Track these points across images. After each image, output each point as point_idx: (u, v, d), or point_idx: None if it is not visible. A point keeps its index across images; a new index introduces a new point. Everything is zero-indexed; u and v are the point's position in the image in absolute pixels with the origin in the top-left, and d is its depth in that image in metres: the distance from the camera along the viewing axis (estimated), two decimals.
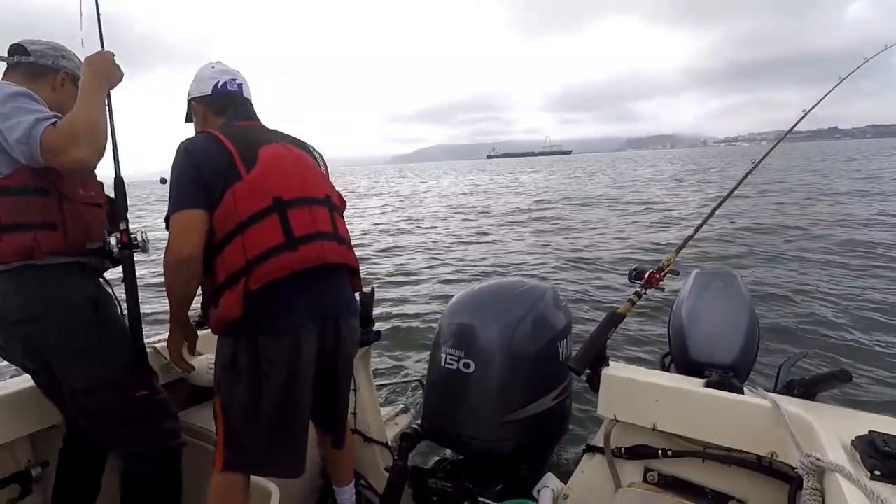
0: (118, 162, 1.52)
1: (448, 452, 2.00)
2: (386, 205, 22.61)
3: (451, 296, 1.99)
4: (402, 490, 1.75)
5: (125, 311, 1.53)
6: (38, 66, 1.52)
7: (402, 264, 9.35)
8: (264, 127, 1.61)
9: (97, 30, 1.54)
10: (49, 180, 1.37)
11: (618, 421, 1.52)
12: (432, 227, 14.32)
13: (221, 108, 1.59)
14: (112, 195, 1.54)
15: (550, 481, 1.70)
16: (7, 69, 1.52)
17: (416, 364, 4.48)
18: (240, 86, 1.62)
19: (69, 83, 1.55)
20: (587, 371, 1.52)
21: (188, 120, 1.69)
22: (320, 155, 1.67)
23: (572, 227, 12.92)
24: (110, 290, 1.58)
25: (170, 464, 1.58)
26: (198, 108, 1.62)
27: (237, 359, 1.38)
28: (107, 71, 1.42)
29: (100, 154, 1.34)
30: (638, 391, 1.46)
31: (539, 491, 1.65)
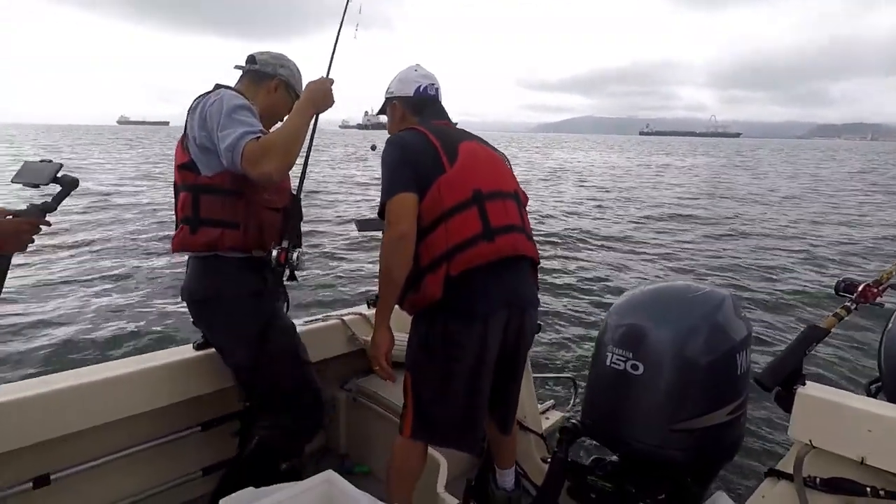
0: (303, 180, 1.71)
1: (608, 453, 1.97)
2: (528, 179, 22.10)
3: (609, 293, 1.96)
4: (563, 482, 1.78)
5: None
6: (260, 73, 1.73)
7: (559, 256, 9.20)
8: (456, 127, 1.73)
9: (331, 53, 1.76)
10: (241, 184, 1.54)
11: (814, 447, 1.37)
12: (586, 214, 13.81)
13: (419, 109, 1.73)
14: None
15: (722, 500, 1.59)
16: (241, 74, 1.77)
17: (568, 360, 4.44)
18: (437, 90, 1.76)
19: (282, 89, 1.76)
20: (777, 388, 1.39)
21: (381, 112, 1.86)
22: (504, 155, 1.76)
23: (744, 226, 11.56)
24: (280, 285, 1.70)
25: (299, 445, 1.79)
26: (397, 106, 1.76)
27: (431, 340, 1.52)
28: (320, 99, 1.59)
29: (284, 172, 1.48)
30: (846, 417, 1.29)
31: None
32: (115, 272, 7.69)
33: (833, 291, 1.58)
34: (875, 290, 1.50)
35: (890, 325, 1.71)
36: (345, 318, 2.28)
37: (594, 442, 2.01)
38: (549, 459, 1.93)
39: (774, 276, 7.26)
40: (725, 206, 14.93)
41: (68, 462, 1.67)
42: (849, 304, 1.50)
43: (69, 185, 1.36)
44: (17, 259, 1.36)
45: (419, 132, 1.58)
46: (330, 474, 0.94)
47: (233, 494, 0.98)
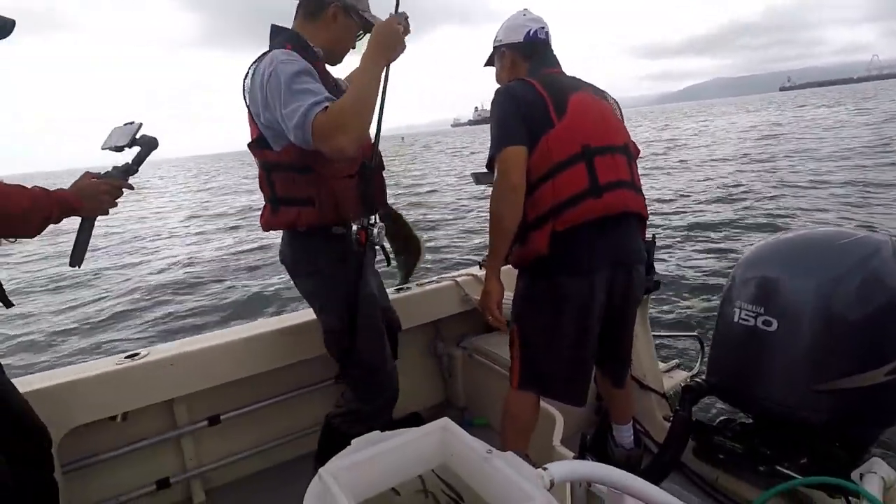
0: (376, 145, 1.51)
1: (737, 414, 1.85)
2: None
3: (743, 249, 1.79)
4: (686, 441, 1.71)
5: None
6: (315, 2, 1.51)
7: (676, 211, 8.61)
8: (567, 75, 1.66)
9: None
10: (309, 158, 1.41)
11: None
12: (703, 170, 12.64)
13: (529, 53, 1.66)
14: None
15: (878, 467, 1.43)
16: (295, 15, 1.55)
17: (694, 318, 4.17)
18: (546, 34, 1.68)
19: (342, 15, 1.52)
20: None
21: (488, 64, 1.79)
22: (616, 102, 1.67)
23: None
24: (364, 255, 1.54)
25: (367, 429, 1.73)
26: (507, 53, 1.68)
27: (537, 293, 1.54)
28: (390, 43, 1.35)
29: (359, 142, 1.32)
30: None
31: (862, 476, 1.40)
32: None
33: None
34: None
35: None
36: (458, 279, 2.36)
37: (723, 403, 1.90)
38: (671, 418, 1.86)
39: None
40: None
41: (234, 405, 1.98)
42: None
43: (147, 145, 1.37)
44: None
45: (528, 83, 1.53)
46: (446, 421, 1.00)
47: (363, 436, 1.09)
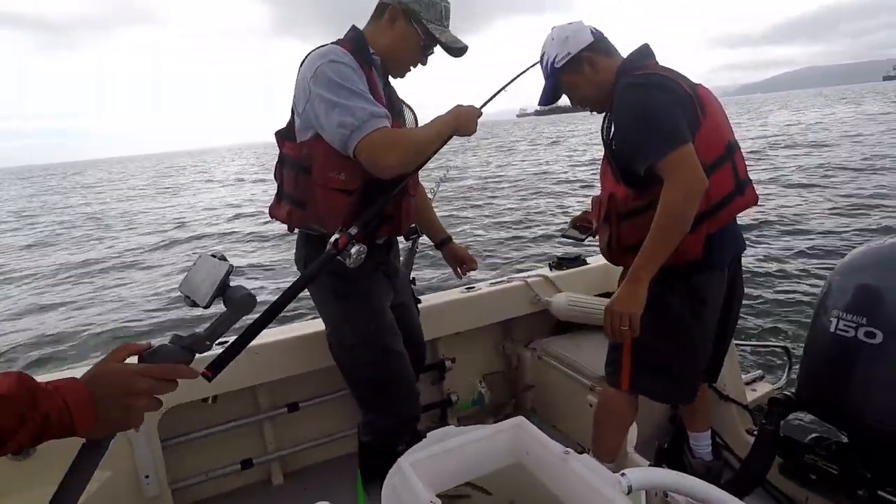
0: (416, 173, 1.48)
1: (832, 431, 1.72)
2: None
3: (843, 253, 1.66)
4: (773, 457, 1.61)
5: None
6: (382, 3, 1.47)
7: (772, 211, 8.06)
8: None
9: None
10: (310, 159, 1.39)
11: None
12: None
13: (609, 49, 1.52)
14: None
15: None
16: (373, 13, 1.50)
17: (780, 328, 3.90)
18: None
19: (402, 20, 1.44)
20: None
21: (548, 99, 1.60)
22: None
23: None
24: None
25: (398, 442, 1.62)
26: (588, 58, 1.49)
27: (673, 295, 1.46)
28: (462, 124, 1.42)
29: (404, 170, 1.34)
30: None
31: None
32: None
33: None
34: None
35: None
36: (528, 279, 2.35)
37: (812, 421, 1.77)
38: (755, 432, 1.76)
39: None
40: None
41: (312, 394, 2.08)
42: None
43: (240, 308, 0.84)
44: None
45: (666, 78, 1.36)
46: (521, 420, 1.01)
47: (438, 430, 1.12)
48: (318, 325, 2.00)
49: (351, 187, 1.38)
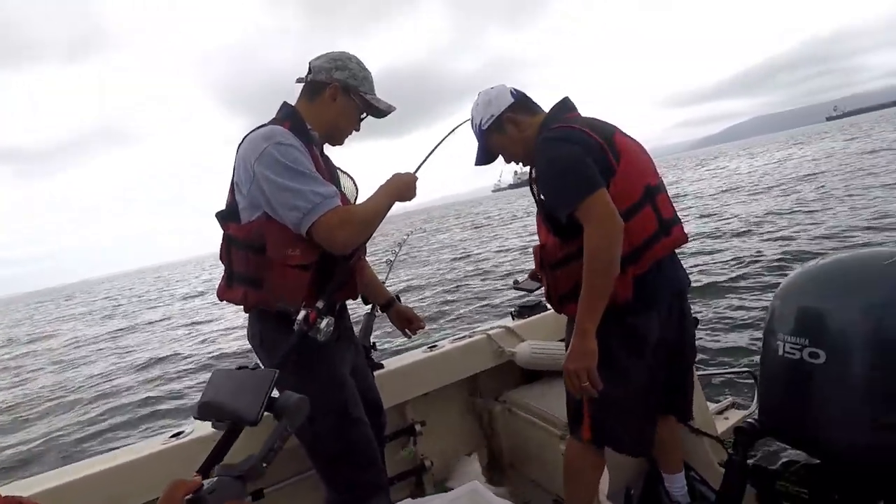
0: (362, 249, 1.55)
1: (802, 455, 1.72)
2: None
3: (777, 274, 1.72)
4: (744, 488, 1.60)
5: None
6: (315, 83, 1.50)
7: (714, 237, 8.35)
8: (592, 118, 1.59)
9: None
10: (263, 239, 1.38)
11: None
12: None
13: (529, 106, 1.58)
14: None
15: None
16: (299, 95, 1.54)
17: (744, 353, 3.96)
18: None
19: (341, 96, 1.50)
20: None
21: (482, 160, 1.67)
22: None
23: None
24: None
25: None
26: (509, 117, 1.56)
27: (612, 339, 1.45)
28: (403, 190, 1.51)
29: (355, 245, 1.41)
30: None
31: None
32: None
33: None
34: None
35: None
36: (490, 332, 2.34)
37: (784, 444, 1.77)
38: None
39: None
40: None
41: (275, 479, 1.97)
42: None
43: (296, 413, 0.78)
44: None
45: (577, 130, 1.42)
46: (475, 485, 0.99)
47: (399, 503, 1.08)
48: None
49: (308, 261, 1.39)
